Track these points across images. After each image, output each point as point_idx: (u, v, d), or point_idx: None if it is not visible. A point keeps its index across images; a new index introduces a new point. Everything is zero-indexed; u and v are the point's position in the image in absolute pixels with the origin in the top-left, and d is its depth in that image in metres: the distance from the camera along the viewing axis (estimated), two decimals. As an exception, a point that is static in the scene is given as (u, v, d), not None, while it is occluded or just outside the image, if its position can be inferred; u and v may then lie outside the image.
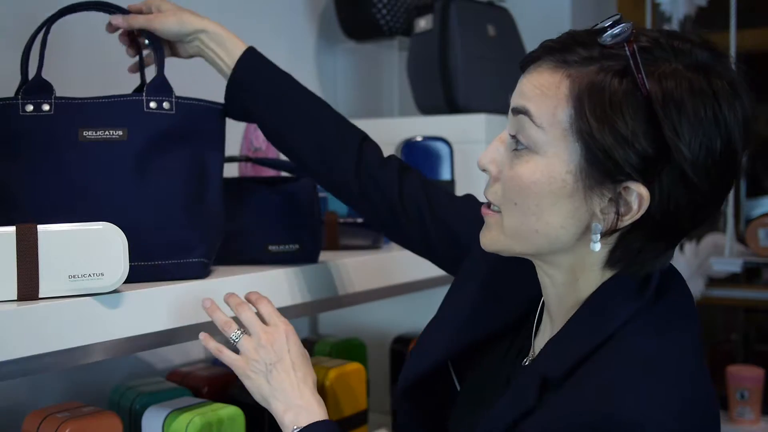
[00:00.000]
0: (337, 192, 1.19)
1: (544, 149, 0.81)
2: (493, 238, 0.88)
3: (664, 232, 0.81)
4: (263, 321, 1.04)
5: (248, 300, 1.08)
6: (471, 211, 1.11)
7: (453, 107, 1.78)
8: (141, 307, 0.99)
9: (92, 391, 1.36)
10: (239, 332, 1.02)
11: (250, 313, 1.03)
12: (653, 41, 0.79)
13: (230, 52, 1.16)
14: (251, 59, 1.17)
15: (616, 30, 0.78)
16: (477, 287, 1.00)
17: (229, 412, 1.13)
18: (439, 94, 1.79)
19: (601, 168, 0.78)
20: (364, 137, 1.18)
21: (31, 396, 1.30)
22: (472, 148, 1.70)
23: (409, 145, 1.65)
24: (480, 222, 0.90)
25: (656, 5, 2.30)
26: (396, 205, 1.14)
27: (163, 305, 1.02)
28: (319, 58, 2.01)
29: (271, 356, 1.00)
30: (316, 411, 0.98)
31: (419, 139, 1.65)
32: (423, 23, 1.83)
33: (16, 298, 0.90)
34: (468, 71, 1.78)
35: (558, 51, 0.81)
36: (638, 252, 0.82)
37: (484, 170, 0.87)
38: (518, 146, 0.83)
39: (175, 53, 1.20)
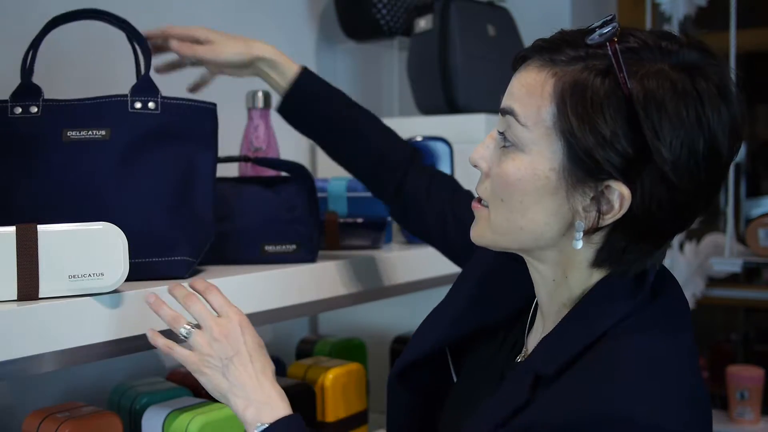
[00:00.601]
0: (377, 193, 1.29)
1: (529, 147, 0.82)
2: (480, 233, 0.90)
3: (648, 232, 0.81)
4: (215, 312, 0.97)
5: (195, 289, 0.99)
6: None
7: (453, 107, 1.78)
8: (141, 307, 0.99)
9: (92, 391, 1.36)
10: (189, 327, 0.95)
11: (199, 305, 0.96)
12: (641, 42, 0.79)
13: (284, 75, 1.23)
14: (305, 82, 1.23)
15: (603, 30, 0.78)
16: (477, 280, 1.02)
17: (229, 412, 1.13)
18: (439, 94, 1.79)
19: (583, 167, 0.79)
20: (414, 150, 1.28)
21: (31, 396, 1.30)
22: (471, 148, 1.67)
23: (409, 145, 1.65)
24: None
25: (656, 5, 2.29)
26: (423, 203, 1.23)
27: (163, 305, 1.02)
28: (319, 58, 2.01)
29: (226, 350, 0.93)
30: (278, 405, 0.93)
31: (419, 139, 1.64)
32: (423, 23, 1.83)
33: (16, 298, 0.90)
34: (468, 71, 1.77)
35: (547, 50, 0.82)
36: (623, 252, 0.83)
37: (475, 166, 0.89)
38: (506, 143, 0.84)
39: (224, 73, 1.26)
